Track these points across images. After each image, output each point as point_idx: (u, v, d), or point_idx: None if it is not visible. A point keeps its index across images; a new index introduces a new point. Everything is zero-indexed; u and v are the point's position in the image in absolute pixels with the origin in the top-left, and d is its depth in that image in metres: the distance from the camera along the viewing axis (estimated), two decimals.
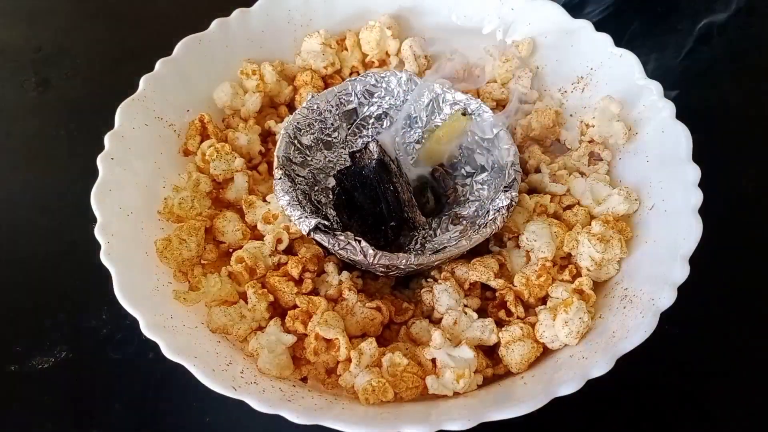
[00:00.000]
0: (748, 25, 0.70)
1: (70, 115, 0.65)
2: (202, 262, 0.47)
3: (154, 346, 0.39)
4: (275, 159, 0.48)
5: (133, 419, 0.47)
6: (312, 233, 0.44)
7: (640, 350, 0.40)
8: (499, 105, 0.57)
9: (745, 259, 0.53)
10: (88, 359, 0.49)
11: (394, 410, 0.41)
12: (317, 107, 0.52)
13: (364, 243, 0.44)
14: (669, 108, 0.50)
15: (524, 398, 0.39)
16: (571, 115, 0.56)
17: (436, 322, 0.46)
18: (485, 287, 0.48)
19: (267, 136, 0.56)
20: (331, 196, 0.51)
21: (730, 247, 0.52)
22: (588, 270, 0.46)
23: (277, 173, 0.47)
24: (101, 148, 0.47)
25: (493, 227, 0.46)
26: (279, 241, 0.47)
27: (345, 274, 0.47)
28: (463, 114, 0.50)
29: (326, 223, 0.45)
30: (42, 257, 0.55)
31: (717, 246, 0.45)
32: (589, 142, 0.53)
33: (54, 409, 0.47)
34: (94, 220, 0.44)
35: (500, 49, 0.57)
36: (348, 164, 0.52)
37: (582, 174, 0.52)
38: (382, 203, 0.49)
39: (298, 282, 0.46)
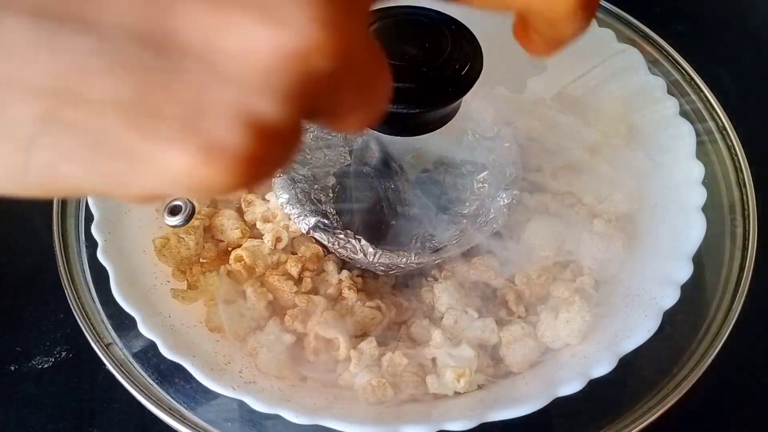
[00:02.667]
0: None
1: None
2: (201, 260, 0.47)
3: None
4: None
5: (134, 419, 0.47)
6: (311, 232, 0.44)
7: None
8: None
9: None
10: (88, 359, 0.49)
11: (394, 410, 0.41)
12: None
13: (364, 242, 0.43)
14: (673, 105, 0.50)
15: (525, 398, 0.39)
16: (572, 113, 0.55)
17: (437, 322, 0.45)
18: (486, 286, 0.47)
19: None
20: (331, 195, 0.50)
21: None
22: (590, 269, 0.46)
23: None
24: None
25: (494, 226, 0.46)
26: (278, 239, 0.47)
27: (345, 273, 0.46)
28: None
29: (326, 221, 0.44)
30: (40, 255, 0.55)
31: None
32: (591, 139, 0.53)
33: (54, 409, 0.47)
34: (92, 217, 0.44)
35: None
36: (348, 162, 0.51)
37: (583, 172, 0.52)
38: (383, 201, 0.49)
39: (298, 281, 0.46)
